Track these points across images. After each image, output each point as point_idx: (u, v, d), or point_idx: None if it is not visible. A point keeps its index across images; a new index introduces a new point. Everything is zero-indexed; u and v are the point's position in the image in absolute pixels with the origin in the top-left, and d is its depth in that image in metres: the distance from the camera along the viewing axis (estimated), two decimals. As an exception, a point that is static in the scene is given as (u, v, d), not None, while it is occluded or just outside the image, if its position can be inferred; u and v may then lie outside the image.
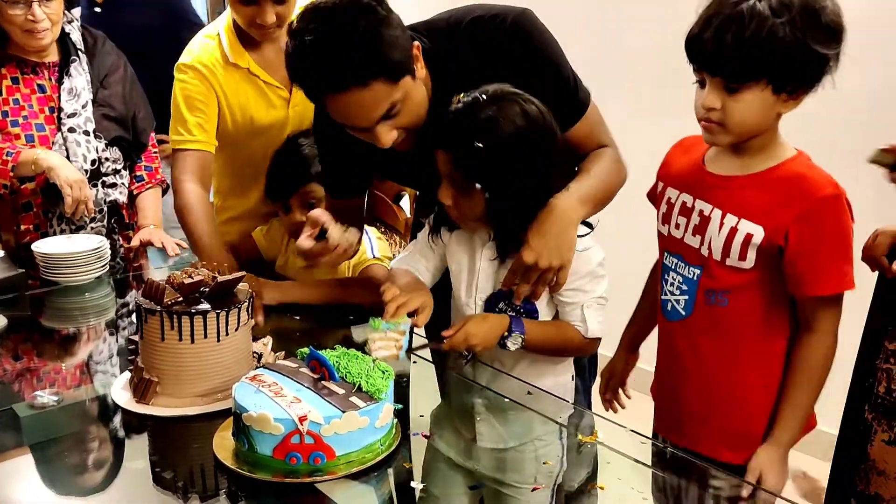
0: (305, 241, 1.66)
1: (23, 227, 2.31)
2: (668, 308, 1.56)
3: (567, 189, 1.51)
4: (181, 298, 1.40)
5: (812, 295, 1.41)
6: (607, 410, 1.79)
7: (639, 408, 1.76)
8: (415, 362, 1.64)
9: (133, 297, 2.13)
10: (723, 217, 1.44)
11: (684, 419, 1.56)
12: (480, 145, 1.41)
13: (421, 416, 1.46)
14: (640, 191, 1.68)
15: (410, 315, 1.51)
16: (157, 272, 2.32)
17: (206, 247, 1.94)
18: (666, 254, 1.57)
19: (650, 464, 1.36)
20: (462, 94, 1.46)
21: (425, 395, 1.57)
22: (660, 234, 1.59)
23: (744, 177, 1.44)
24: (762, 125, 1.39)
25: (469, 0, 1.66)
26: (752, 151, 1.43)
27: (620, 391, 1.80)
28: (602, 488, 1.28)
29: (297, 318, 1.84)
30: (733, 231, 1.42)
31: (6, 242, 2.27)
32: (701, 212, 1.47)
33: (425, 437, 1.38)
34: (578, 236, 1.50)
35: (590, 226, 1.56)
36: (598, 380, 1.86)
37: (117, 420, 1.42)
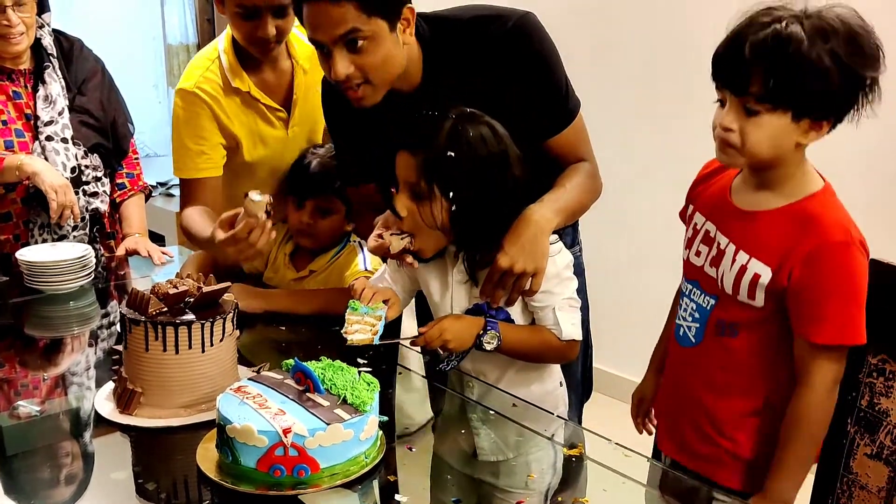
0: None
1: (2, 237, 2.29)
2: (681, 333, 1.53)
3: (541, 200, 1.55)
4: (166, 309, 1.39)
5: (807, 341, 1.36)
6: (641, 434, 1.76)
7: (626, 419, 1.77)
8: (400, 373, 1.63)
9: (114, 306, 2.13)
10: (735, 253, 1.40)
11: (688, 440, 1.54)
12: (452, 154, 1.45)
13: (406, 428, 1.45)
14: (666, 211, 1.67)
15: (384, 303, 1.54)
16: (140, 281, 2.31)
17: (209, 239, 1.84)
18: (684, 279, 1.55)
19: (642, 479, 1.35)
20: (424, 111, 1.50)
21: (412, 407, 1.57)
22: (683, 257, 1.56)
23: (761, 212, 1.40)
24: (778, 153, 1.34)
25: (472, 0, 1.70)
26: (774, 184, 1.39)
27: (652, 413, 1.76)
28: (586, 502, 1.28)
29: (283, 328, 1.83)
30: (743, 269, 1.39)
31: (-9, 250, 2.25)
32: (719, 244, 1.44)
33: (409, 449, 1.38)
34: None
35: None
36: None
37: (102, 431, 1.41)
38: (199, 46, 5.44)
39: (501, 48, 1.57)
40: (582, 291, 1.82)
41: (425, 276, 1.63)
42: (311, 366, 1.32)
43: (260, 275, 2.11)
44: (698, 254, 1.49)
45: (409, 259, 1.54)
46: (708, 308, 1.47)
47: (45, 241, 2.28)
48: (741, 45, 1.28)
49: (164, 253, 2.36)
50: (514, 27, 1.57)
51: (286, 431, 1.18)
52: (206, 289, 1.43)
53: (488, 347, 1.53)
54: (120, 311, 1.43)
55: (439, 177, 1.47)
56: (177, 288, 1.42)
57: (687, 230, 1.56)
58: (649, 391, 1.75)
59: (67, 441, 1.43)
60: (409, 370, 1.68)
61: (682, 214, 1.61)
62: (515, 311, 1.57)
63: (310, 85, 2.04)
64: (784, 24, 1.27)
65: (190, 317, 1.39)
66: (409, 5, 1.51)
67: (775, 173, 1.38)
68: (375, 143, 1.64)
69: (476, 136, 1.47)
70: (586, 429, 1.50)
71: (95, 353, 1.85)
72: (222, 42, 1.99)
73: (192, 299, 1.42)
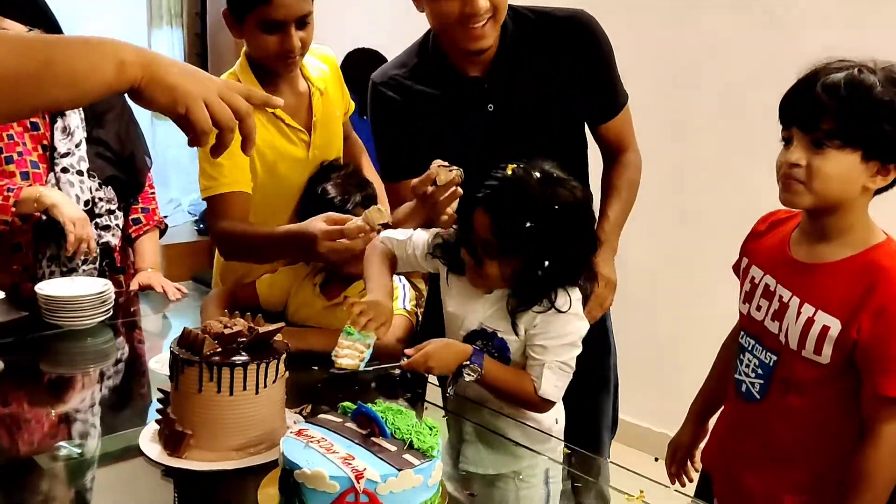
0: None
1: (12, 268, 2.23)
2: (743, 389, 1.53)
3: (603, 250, 1.71)
4: (220, 349, 1.36)
5: (878, 393, 1.34)
6: (673, 484, 1.76)
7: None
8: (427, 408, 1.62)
9: (121, 343, 2.08)
10: (800, 306, 1.40)
11: (744, 497, 1.53)
12: (531, 224, 1.44)
13: (463, 472, 1.43)
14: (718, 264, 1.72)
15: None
16: (153, 318, 2.27)
17: (273, 231, 1.87)
18: (743, 333, 1.55)
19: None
20: (514, 165, 1.51)
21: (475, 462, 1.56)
22: (741, 311, 1.56)
23: (824, 265, 1.40)
24: (845, 195, 1.35)
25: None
26: (836, 234, 1.40)
27: (689, 464, 1.76)
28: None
29: (315, 367, 1.80)
30: (810, 322, 1.38)
31: (0, 282, 2.19)
32: (781, 297, 1.44)
33: (471, 495, 1.36)
34: (571, 303, 1.54)
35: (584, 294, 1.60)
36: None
37: (148, 474, 1.37)
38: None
39: (568, 37, 1.78)
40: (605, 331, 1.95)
41: (453, 283, 1.64)
42: (371, 408, 1.30)
43: (279, 313, 2.08)
44: (759, 308, 1.49)
45: (449, 213, 1.62)
46: (770, 364, 1.47)
47: (53, 273, 2.23)
48: (813, 85, 1.33)
49: (177, 289, 2.32)
50: (578, 20, 1.81)
51: (359, 477, 1.16)
52: (261, 329, 1.40)
53: (467, 378, 1.55)
54: (171, 351, 1.39)
55: (512, 241, 1.47)
56: (229, 328, 1.39)
57: (743, 284, 1.56)
58: (686, 441, 1.75)
59: (114, 484, 1.39)
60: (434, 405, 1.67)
61: (736, 268, 1.61)
62: (516, 348, 1.58)
63: (327, 107, 2.07)
64: (857, 70, 1.31)
65: (245, 357, 1.36)
66: None
67: (838, 222, 1.38)
68: (432, 128, 1.77)
69: (557, 203, 1.47)
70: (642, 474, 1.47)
71: (121, 392, 1.81)
72: (238, 66, 2.00)
73: (245, 339, 1.39)
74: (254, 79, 1.97)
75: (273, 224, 2.01)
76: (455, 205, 1.63)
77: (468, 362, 1.54)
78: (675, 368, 2.84)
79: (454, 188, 1.61)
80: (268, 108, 1.96)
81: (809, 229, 1.44)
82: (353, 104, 2.20)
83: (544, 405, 1.59)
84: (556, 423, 1.69)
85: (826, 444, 1.44)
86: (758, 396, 1.49)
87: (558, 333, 1.54)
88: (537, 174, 1.49)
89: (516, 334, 1.56)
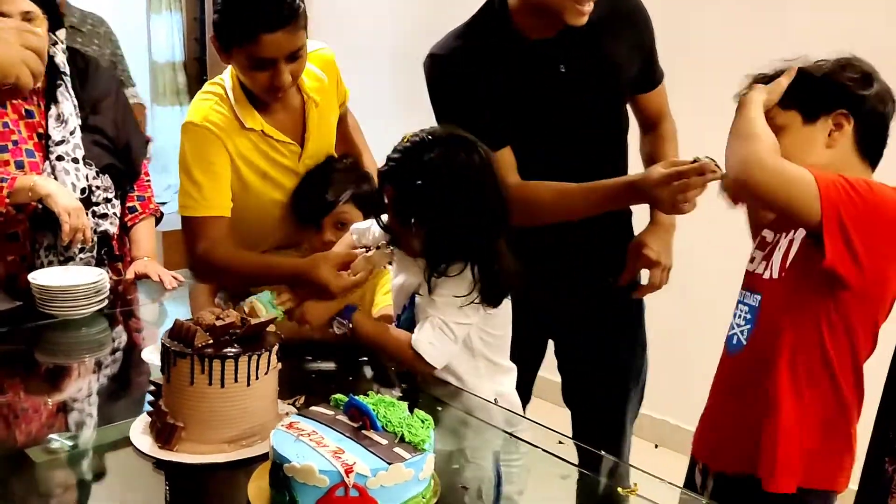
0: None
1: (8, 258, 2.22)
2: (734, 342, 1.62)
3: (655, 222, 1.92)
4: (212, 341, 1.35)
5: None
6: None
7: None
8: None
9: (119, 332, 2.07)
10: (785, 237, 1.55)
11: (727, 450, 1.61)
12: (420, 182, 1.55)
13: (455, 466, 1.42)
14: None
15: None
16: (150, 306, 2.26)
17: (272, 263, 1.87)
18: (740, 291, 1.64)
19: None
20: (410, 133, 1.61)
21: (444, 440, 1.54)
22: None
23: None
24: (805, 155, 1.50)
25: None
26: None
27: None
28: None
29: (309, 358, 1.80)
30: (790, 244, 1.53)
31: (-5, 273, 2.19)
32: (773, 241, 1.58)
33: (464, 488, 1.36)
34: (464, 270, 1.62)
35: None
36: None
37: (139, 466, 1.36)
38: (186, 65, 5.39)
39: (626, 12, 1.88)
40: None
41: (397, 258, 1.75)
42: (362, 401, 1.29)
43: None
44: (752, 259, 1.63)
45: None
46: (756, 305, 1.58)
47: (51, 262, 2.21)
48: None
49: (174, 277, 2.31)
50: (635, 6, 1.92)
51: (348, 471, 1.15)
52: (253, 321, 1.39)
53: (337, 331, 1.71)
54: (162, 343, 1.38)
55: (410, 206, 1.60)
56: (222, 319, 1.38)
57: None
58: None
59: (106, 477, 1.38)
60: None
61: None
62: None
63: (322, 116, 2.01)
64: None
65: (236, 349, 1.35)
66: None
67: None
68: (501, 95, 1.80)
69: (449, 166, 1.57)
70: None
71: (115, 383, 1.80)
72: (228, 80, 1.91)
73: (237, 331, 1.38)
74: (243, 96, 1.89)
75: (263, 244, 2.00)
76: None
77: (337, 316, 1.70)
78: (679, 356, 2.84)
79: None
80: (256, 129, 1.91)
81: None
82: (348, 92, 2.17)
83: (418, 361, 1.63)
84: (496, 402, 1.69)
85: (805, 388, 1.50)
86: (744, 342, 1.57)
87: (446, 293, 1.61)
88: (429, 137, 1.59)
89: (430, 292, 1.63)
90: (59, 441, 1.39)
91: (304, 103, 1.98)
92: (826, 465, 1.52)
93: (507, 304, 1.70)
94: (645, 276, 1.97)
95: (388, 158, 1.63)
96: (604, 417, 2.08)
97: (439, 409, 1.59)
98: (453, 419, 1.61)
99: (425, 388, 1.68)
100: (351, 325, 1.70)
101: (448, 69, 1.84)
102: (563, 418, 2.05)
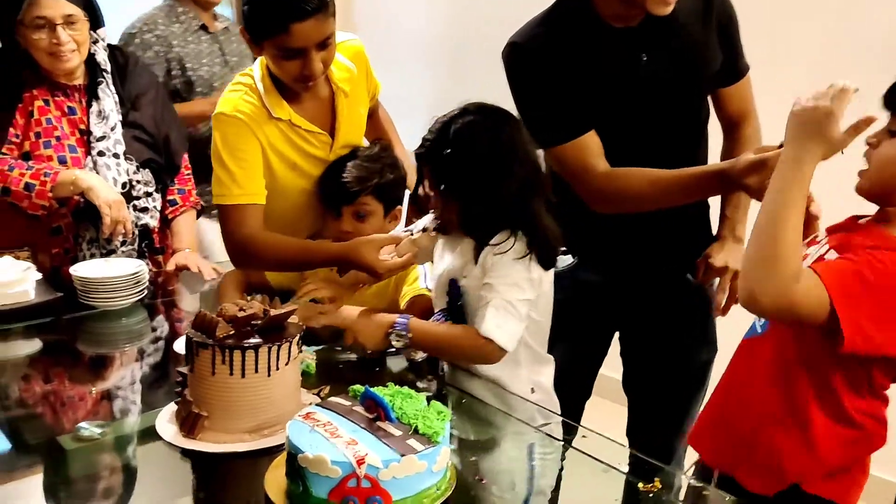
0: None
1: (52, 251, 2.29)
2: (751, 327, 1.56)
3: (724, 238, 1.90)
4: (233, 332, 1.37)
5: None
6: None
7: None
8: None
9: (160, 322, 2.11)
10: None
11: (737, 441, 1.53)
12: (449, 151, 1.57)
13: (472, 459, 1.42)
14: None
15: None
16: (190, 297, 2.30)
17: (314, 248, 1.93)
18: None
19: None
20: (443, 115, 1.63)
21: (466, 431, 1.54)
22: None
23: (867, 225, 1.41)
24: None
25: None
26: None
27: None
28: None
29: (339, 348, 1.81)
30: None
31: (41, 264, 2.24)
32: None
33: (480, 480, 1.35)
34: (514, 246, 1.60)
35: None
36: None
37: (165, 455, 1.39)
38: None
39: (710, 2, 1.83)
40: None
41: (440, 246, 1.75)
42: (380, 392, 1.29)
43: (291, 292, 2.06)
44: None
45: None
46: None
47: (93, 255, 2.27)
48: None
49: (213, 269, 2.35)
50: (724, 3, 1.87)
51: (360, 462, 1.16)
52: (273, 312, 1.41)
53: (397, 345, 1.62)
54: (186, 334, 1.41)
55: (442, 178, 1.62)
56: (244, 311, 1.40)
57: None
58: None
59: (132, 465, 1.41)
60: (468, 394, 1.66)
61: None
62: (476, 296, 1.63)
63: (351, 106, 2.02)
64: None
65: (257, 340, 1.37)
66: None
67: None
68: (583, 84, 1.77)
69: (475, 137, 1.58)
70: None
71: (151, 373, 1.84)
72: (257, 70, 1.93)
73: (258, 322, 1.40)
74: (272, 86, 1.91)
75: (294, 233, 2.00)
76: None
77: (392, 329, 1.60)
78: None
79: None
80: (284, 118, 1.93)
81: (876, 218, 1.42)
82: (380, 85, 2.17)
83: (491, 349, 1.57)
84: (532, 392, 1.67)
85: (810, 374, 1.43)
86: (759, 331, 1.51)
87: (502, 273, 1.58)
88: (457, 112, 1.61)
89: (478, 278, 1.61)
90: (88, 429, 1.43)
91: (334, 93, 1.99)
92: (841, 480, 1.45)
93: (549, 290, 1.68)
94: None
95: (423, 139, 1.64)
96: (662, 411, 2.05)
97: (463, 401, 1.59)
98: (483, 411, 1.60)
99: (453, 379, 1.68)
100: (411, 335, 1.61)
101: (530, 57, 1.81)
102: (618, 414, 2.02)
